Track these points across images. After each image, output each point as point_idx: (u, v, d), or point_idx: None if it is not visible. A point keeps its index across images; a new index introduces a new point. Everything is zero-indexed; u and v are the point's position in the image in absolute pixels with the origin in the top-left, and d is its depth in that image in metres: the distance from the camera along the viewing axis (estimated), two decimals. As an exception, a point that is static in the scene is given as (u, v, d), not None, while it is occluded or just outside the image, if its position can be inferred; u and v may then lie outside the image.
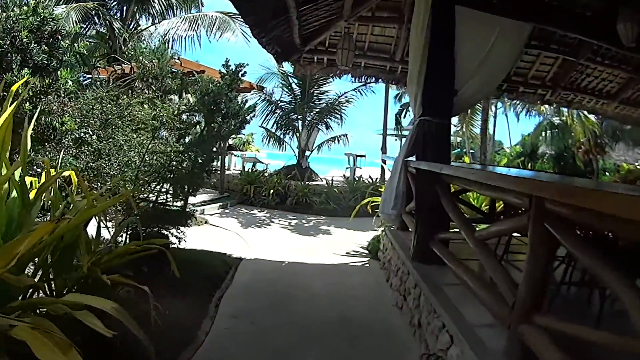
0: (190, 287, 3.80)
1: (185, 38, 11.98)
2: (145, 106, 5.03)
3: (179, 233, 4.25)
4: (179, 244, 4.23)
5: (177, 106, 4.13)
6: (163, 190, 4.40)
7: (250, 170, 10.95)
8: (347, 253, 6.05)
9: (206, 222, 7.66)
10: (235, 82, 7.82)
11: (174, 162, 4.05)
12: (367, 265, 5.58)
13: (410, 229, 5.61)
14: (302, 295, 4.10)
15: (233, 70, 7.92)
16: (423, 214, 3.85)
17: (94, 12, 10.44)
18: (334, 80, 11.86)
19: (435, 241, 3.70)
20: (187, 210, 4.97)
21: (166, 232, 4.46)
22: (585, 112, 15.47)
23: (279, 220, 8.29)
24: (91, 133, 3.98)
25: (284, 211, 9.23)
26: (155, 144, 3.99)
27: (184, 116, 5.33)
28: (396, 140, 34.30)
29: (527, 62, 6.35)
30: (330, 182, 10.29)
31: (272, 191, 9.62)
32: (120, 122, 4.10)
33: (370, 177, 10.57)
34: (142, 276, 3.11)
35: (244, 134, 14.63)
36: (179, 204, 7.61)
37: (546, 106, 17.43)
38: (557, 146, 18.44)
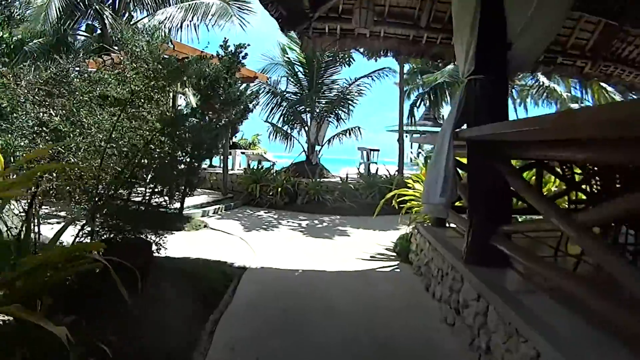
0: (178, 308, 2.97)
1: (181, 28, 11.29)
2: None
3: (159, 238, 3.40)
4: (158, 252, 3.38)
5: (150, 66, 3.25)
6: (143, 184, 3.55)
7: (255, 169, 10.13)
8: (371, 257, 5.18)
9: (205, 226, 6.84)
10: (235, 65, 7.03)
11: (151, 146, 3.21)
12: (398, 270, 4.71)
13: (448, 224, 4.75)
14: (320, 312, 3.25)
15: (232, 51, 7.16)
16: (479, 200, 2.98)
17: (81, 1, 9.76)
18: (342, 69, 11.04)
19: (499, 235, 2.82)
20: (171, 211, 4.07)
21: (151, 237, 3.62)
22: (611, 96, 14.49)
23: (289, 222, 7.44)
24: (51, 112, 3.18)
25: (293, 212, 8.38)
26: (125, 121, 3.15)
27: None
28: (406, 136, 33.48)
29: (567, 28, 5.49)
30: (345, 177, 9.42)
31: (280, 190, 8.78)
32: (86, 97, 3.28)
33: (387, 171, 9.68)
34: (104, 296, 2.28)
35: (237, 134, 13.78)
36: (175, 205, 6.83)
37: (566, 94, 16.44)
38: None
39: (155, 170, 3.43)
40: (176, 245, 5.49)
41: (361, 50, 5.88)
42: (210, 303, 3.27)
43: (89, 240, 2.85)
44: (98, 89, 3.52)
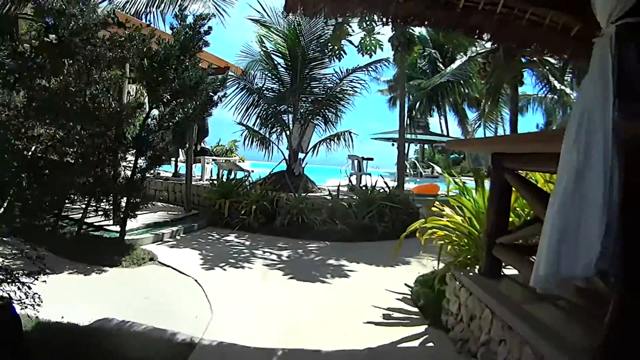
0: None
1: (146, 15, 9.51)
2: None
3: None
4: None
5: None
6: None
7: (226, 180, 8.42)
8: (384, 317, 3.58)
9: (152, 259, 5.12)
10: (194, 44, 5.38)
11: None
12: (430, 344, 3.11)
13: (504, 272, 3.22)
14: None
15: (191, 24, 5.51)
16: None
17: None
18: (331, 63, 9.48)
19: None
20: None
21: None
22: None
23: (265, 252, 5.78)
24: None
25: (271, 236, 6.73)
26: None
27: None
28: (393, 145, 32.10)
29: None
30: (335, 191, 7.79)
31: (254, 208, 7.10)
32: None
33: (385, 184, 8.12)
34: None
35: (207, 138, 11.97)
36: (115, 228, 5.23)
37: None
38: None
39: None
40: (94, 295, 3.77)
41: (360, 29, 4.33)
42: None
43: None
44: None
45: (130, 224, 5.78)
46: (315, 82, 9.37)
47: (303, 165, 9.17)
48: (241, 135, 10.32)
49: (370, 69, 8.92)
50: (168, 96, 4.64)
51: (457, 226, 3.85)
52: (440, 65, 26.83)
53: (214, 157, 11.58)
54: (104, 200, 5.30)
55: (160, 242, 6.08)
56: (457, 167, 36.38)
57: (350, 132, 9.52)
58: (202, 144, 12.27)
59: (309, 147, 9.44)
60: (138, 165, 5.19)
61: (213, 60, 7.06)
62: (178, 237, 6.46)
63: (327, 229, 6.72)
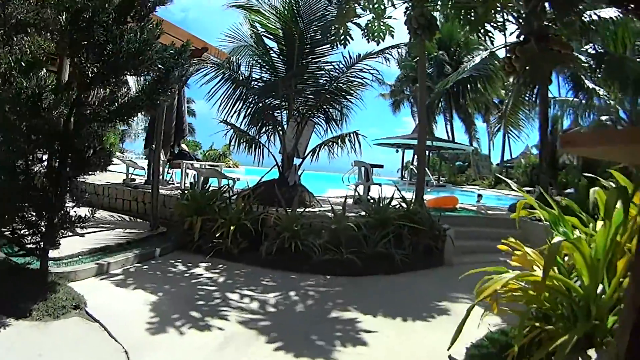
0: None
1: None
2: None
3: None
4: None
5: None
6: None
7: (200, 190, 6.84)
8: None
9: (76, 308, 3.55)
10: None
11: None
12: None
13: None
14: None
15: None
16: None
17: None
18: (334, 50, 7.94)
19: None
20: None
21: None
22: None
23: (244, 296, 4.21)
24: None
25: (255, 267, 5.18)
26: None
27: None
28: (397, 152, 30.66)
29: None
30: (340, 206, 6.21)
31: (232, 228, 5.54)
32: None
33: (402, 198, 6.56)
34: None
35: (186, 137, 10.30)
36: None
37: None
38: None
39: None
40: None
41: None
42: None
43: None
44: None
45: (69, 247, 4.26)
46: (316, 69, 7.77)
47: (299, 173, 7.62)
48: (224, 136, 8.74)
49: (387, 52, 7.33)
50: (94, 69, 3.08)
51: (557, 284, 2.32)
52: (448, 68, 25.51)
53: (193, 162, 9.98)
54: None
55: (104, 276, 4.51)
56: (462, 176, 35.06)
57: (357, 134, 7.98)
58: (182, 145, 10.70)
59: (307, 151, 7.89)
60: (60, 171, 3.61)
61: (184, 35, 5.51)
62: (131, 269, 4.88)
63: (329, 259, 5.16)
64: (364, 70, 7.36)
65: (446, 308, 4.02)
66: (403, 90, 36.51)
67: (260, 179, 7.70)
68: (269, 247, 5.36)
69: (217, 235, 5.60)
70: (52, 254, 4.02)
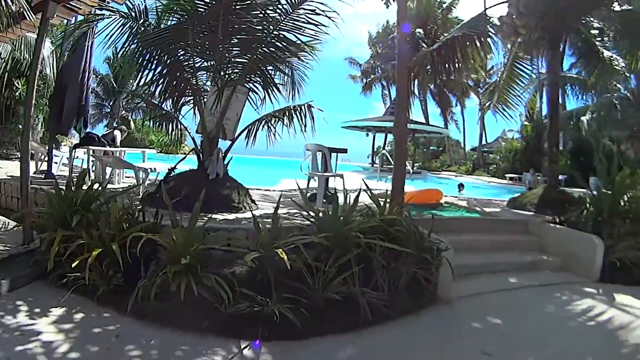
0: None
1: None
2: None
3: None
4: None
5: None
6: None
7: (73, 186, 4.47)
8: None
9: None
10: None
11: None
12: None
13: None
14: None
15: None
16: None
17: None
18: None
19: None
20: None
21: None
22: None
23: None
24: None
25: (125, 317, 3.00)
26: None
27: None
28: (367, 135, 28.67)
29: None
30: (274, 211, 3.93)
31: (95, 254, 3.29)
32: None
33: (372, 197, 4.38)
34: None
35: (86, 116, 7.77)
36: None
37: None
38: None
39: None
40: None
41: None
42: None
43: None
44: None
45: None
46: (246, 17, 5.33)
47: (226, 162, 5.37)
48: (132, 112, 6.41)
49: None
50: None
51: None
52: (424, 45, 23.68)
53: (94, 148, 7.57)
54: None
55: None
56: (437, 161, 33.56)
57: (309, 106, 5.78)
58: (85, 127, 8.20)
59: (238, 129, 5.64)
60: None
61: None
62: None
63: (247, 311, 2.99)
64: (316, 12, 5.08)
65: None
66: (375, 71, 34.65)
67: (171, 170, 5.42)
68: (146, 288, 3.14)
69: (74, 265, 3.35)
70: None
